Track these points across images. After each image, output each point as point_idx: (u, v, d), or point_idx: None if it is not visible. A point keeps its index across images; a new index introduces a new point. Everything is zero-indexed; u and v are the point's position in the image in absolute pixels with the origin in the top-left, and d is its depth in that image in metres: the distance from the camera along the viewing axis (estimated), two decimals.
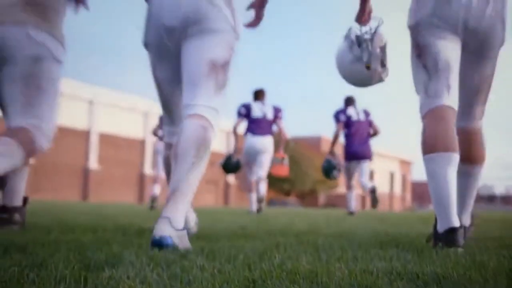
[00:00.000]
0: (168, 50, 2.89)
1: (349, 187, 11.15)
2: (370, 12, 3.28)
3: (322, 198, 72.80)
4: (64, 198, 39.30)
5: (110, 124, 38.68)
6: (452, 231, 2.62)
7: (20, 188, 3.42)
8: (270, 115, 10.39)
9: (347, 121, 10.75)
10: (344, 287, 1.50)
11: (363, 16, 3.26)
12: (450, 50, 2.88)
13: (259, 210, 10.30)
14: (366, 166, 10.92)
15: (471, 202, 3.20)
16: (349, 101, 11.01)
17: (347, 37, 3.31)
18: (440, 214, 2.70)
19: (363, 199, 79.45)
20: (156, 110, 49.11)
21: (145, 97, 45.27)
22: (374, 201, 10.54)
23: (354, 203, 10.87)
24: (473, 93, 3.06)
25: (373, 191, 10.46)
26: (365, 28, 3.29)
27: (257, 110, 10.33)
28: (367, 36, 3.25)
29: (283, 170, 10.71)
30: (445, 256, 2.25)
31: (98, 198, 41.82)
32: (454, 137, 2.80)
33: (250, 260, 2.01)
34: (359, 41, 3.25)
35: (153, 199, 11.78)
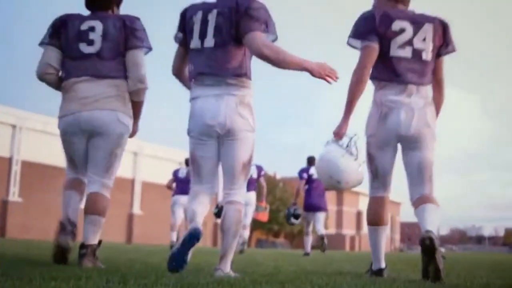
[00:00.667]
0: (207, 138, 3.97)
1: (306, 233, 13.21)
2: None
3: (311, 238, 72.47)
4: (52, 237, 38.89)
5: None
6: (381, 270, 4.41)
7: (75, 212, 4.60)
8: (254, 175, 12.73)
9: (308, 178, 12.96)
10: None
11: (343, 131, 4.32)
12: (387, 158, 4.26)
13: (241, 251, 12.23)
14: (321, 216, 13.04)
15: None
16: (311, 161, 13.06)
17: (332, 141, 4.34)
18: (375, 259, 4.42)
19: (352, 239, 79.06)
20: (146, 151, 49.14)
21: (134, 137, 45.23)
22: (322, 248, 12.99)
23: (309, 246, 12.82)
24: (417, 173, 4.22)
25: (322, 238, 12.86)
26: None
27: None
28: (353, 139, 4.32)
29: (265, 217, 13.31)
30: None
31: None
32: (387, 216, 4.34)
33: None
34: (354, 144, 4.31)
35: (172, 245, 13.23)
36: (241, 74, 3.94)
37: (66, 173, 4.68)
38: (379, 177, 4.30)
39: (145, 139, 46.22)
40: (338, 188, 4.40)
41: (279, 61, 3.77)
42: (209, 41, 3.95)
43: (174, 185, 13.84)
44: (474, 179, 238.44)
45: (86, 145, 4.51)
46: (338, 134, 4.31)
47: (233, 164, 3.99)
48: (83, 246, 4.48)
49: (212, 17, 3.94)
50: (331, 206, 79.19)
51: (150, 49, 4.63)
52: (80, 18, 4.53)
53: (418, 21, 4.18)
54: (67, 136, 4.52)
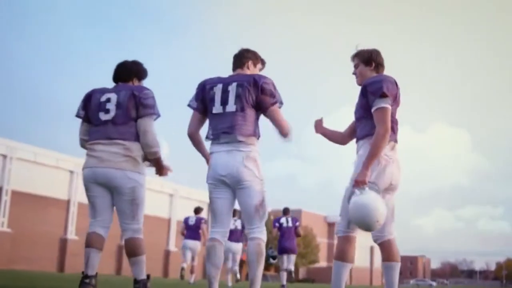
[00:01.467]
0: (221, 185, 4.93)
1: (281, 269, 15.68)
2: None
3: (302, 271, 71.86)
4: (41, 268, 38.40)
5: None
6: None
7: (94, 268, 5.43)
8: (239, 227, 15.87)
9: (280, 227, 15.59)
10: None
11: (366, 179, 4.62)
12: None
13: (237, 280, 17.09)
14: (291, 256, 15.62)
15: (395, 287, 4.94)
16: (285, 211, 16.02)
17: (367, 189, 4.60)
18: None
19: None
20: None
21: None
22: (290, 278, 15.64)
23: (285, 279, 15.41)
24: (390, 214, 4.90)
25: (290, 273, 15.57)
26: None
27: (231, 224, 16.79)
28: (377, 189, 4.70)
29: None
30: None
31: (75, 269, 40.98)
32: (353, 254, 4.85)
33: None
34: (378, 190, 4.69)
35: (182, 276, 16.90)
36: (251, 134, 4.92)
37: (89, 223, 5.57)
38: None
39: None
40: (373, 229, 4.67)
41: (285, 133, 5.02)
42: (231, 107, 4.91)
43: (186, 232, 16.58)
44: (464, 213, 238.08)
45: (103, 194, 5.47)
46: (363, 182, 4.62)
47: (247, 208, 4.90)
48: (136, 281, 5.50)
49: (232, 88, 4.94)
50: (323, 239, 78.86)
51: (158, 115, 5.52)
52: (101, 92, 5.55)
53: None
54: (86, 184, 5.49)
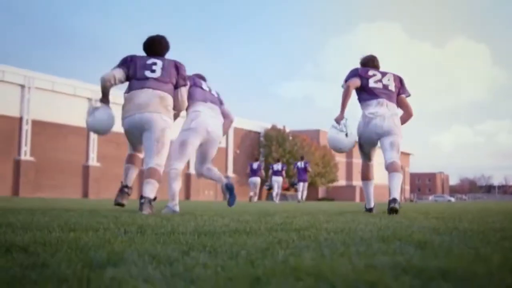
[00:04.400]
0: (203, 135, 6.77)
1: (297, 190, 26.43)
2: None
3: (321, 191, 72.59)
4: (66, 195, 39.16)
5: None
6: (371, 208, 7.50)
7: (131, 180, 6.83)
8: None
9: (298, 167, 26.42)
10: (349, 283, 1.48)
11: (340, 118, 7.20)
12: (369, 147, 7.44)
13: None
14: (305, 184, 26.38)
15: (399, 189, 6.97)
16: (302, 158, 27.51)
17: (333, 125, 7.25)
18: (367, 202, 7.55)
19: (362, 190, 79.08)
20: None
21: None
22: (298, 201, 26.06)
23: (300, 195, 26.00)
24: (389, 146, 6.99)
25: (300, 201, 25.94)
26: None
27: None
28: (344, 123, 7.20)
29: (285, 184, 29.40)
30: (448, 250, 2.24)
31: (98, 195, 41.67)
32: (371, 173, 7.57)
33: (253, 256, 2.00)
34: (344, 126, 7.19)
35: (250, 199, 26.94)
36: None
37: (127, 150, 6.79)
38: (365, 155, 7.57)
39: None
40: (342, 150, 7.46)
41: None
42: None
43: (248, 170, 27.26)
44: (482, 129, 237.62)
45: (137, 136, 6.34)
46: (337, 120, 7.22)
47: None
48: (142, 197, 6.09)
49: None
50: (342, 159, 79.27)
51: (187, 85, 6.67)
52: (145, 57, 6.53)
53: (383, 72, 7.33)
54: (127, 129, 6.38)
